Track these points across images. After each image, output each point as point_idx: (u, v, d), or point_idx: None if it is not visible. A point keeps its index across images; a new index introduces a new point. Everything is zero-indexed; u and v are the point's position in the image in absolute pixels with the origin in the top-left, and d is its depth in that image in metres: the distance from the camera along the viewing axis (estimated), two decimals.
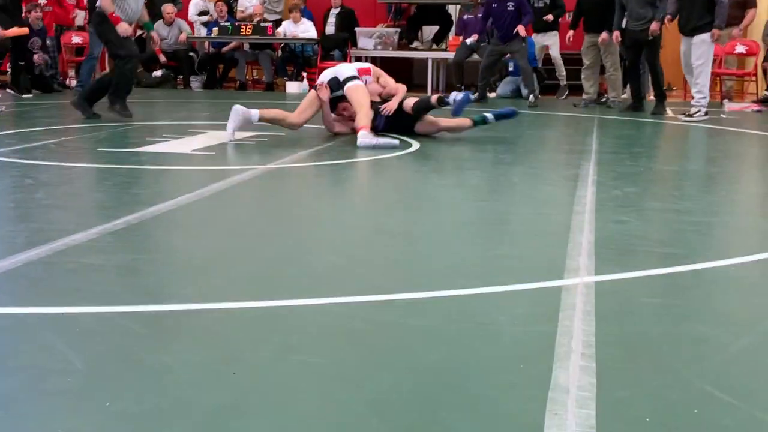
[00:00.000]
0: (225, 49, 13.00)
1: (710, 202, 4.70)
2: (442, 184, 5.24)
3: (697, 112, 8.96)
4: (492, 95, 11.59)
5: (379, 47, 12.99)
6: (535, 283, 2.96)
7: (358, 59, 11.70)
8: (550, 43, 11.41)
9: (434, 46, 13.64)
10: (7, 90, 10.97)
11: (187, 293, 2.85)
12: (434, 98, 7.14)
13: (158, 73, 12.69)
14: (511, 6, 10.17)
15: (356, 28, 13.07)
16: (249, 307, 2.67)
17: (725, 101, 10.94)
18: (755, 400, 2.03)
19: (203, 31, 13.33)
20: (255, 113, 6.78)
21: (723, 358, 2.31)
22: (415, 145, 6.55)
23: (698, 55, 8.89)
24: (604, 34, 9.77)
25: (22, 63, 11.05)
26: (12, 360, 2.21)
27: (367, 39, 13.02)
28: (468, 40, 11.30)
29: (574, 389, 2.04)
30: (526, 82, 10.67)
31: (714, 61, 9.55)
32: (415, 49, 13.61)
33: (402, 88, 7.27)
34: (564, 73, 11.44)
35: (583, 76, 10.69)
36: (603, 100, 10.65)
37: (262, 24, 12.68)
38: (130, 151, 6.14)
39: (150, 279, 3.04)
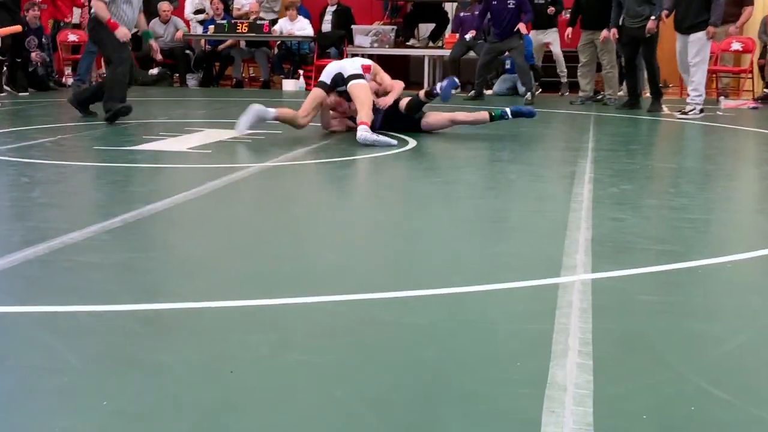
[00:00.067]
0: (221, 46, 13.00)
1: (707, 199, 4.71)
2: (438, 182, 5.24)
3: (692, 110, 8.97)
4: (488, 92, 11.59)
5: (375, 45, 12.99)
6: (532, 280, 2.96)
7: (355, 57, 11.69)
8: (550, 40, 11.40)
9: (431, 44, 13.64)
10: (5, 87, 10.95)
11: (184, 291, 2.84)
12: (422, 93, 7.15)
13: (154, 71, 12.68)
14: (511, 4, 10.16)
15: (353, 26, 13.06)
16: (246, 306, 2.67)
17: (721, 98, 10.95)
18: (752, 397, 2.03)
19: (199, 29, 13.32)
20: (272, 113, 6.75)
21: (720, 355, 2.31)
22: (412, 142, 6.55)
23: (694, 53, 8.89)
24: (605, 32, 9.76)
25: (19, 60, 11.03)
26: (8, 359, 2.20)
27: (363, 36, 13.01)
28: (466, 36, 11.30)
29: (571, 387, 2.04)
30: (523, 80, 10.67)
31: (710, 58, 9.56)
32: (412, 47, 13.61)
33: (398, 85, 7.27)
34: (565, 70, 11.43)
35: (579, 74, 10.70)
36: (599, 97, 10.67)
37: (259, 22, 12.67)
38: (126, 150, 6.13)
39: (147, 277, 3.03)
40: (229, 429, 1.85)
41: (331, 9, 13.08)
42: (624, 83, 10.57)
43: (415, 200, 4.56)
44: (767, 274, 3.25)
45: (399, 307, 2.71)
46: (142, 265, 3.17)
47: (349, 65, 7.04)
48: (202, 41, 13.38)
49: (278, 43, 13.19)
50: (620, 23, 9.57)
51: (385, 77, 7.27)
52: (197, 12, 13.57)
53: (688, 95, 9.15)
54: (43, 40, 11.53)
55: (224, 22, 12.75)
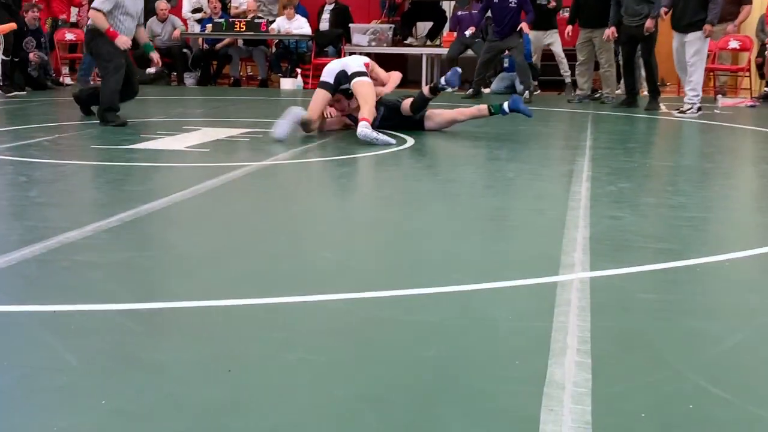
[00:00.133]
0: (219, 45, 12.98)
1: (705, 197, 4.71)
2: (437, 180, 5.23)
3: (689, 109, 8.97)
4: (486, 91, 11.59)
5: (373, 43, 12.99)
6: (531, 278, 2.96)
7: (353, 54, 11.68)
8: (551, 41, 11.38)
9: (428, 42, 13.63)
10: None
11: (182, 290, 2.84)
12: (426, 90, 7.15)
13: (152, 69, 12.65)
14: (513, 2, 10.14)
15: (350, 25, 13.06)
16: (245, 304, 2.67)
17: (719, 96, 10.96)
18: (750, 395, 2.03)
19: (197, 28, 13.31)
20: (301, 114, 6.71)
21: (718, 353, 2.31)
22: (410, 141, 6.55)
23: (692, 52, 8.88)
24: (608, 30, 9.73)
25: (17, 60, 11.01)
26: (6, 358, 2.20)
27: (361, 35, 13.01)
28: (466, 32, 11.28)
29: (570, 385, 2.04)
30: (522, 78, 10.66)
31: (708, 56, 9.56)
32: (410, 45, 13.60)
33: (395, 75, 7.26)
34: (569, 71, 11.38)
35: (577, 72, 10.69)
36: (597, 95, 10.67)
37: (256, 20, 12.66)
38: (124, 148, 6.13)
39: (145, 276, 3.03)
40: (228, 428, 1.85)
41: (328, 7, 13.07)
42: (621, 82, 10.56)
43: (413, 199, 4.56)
44: (765, 272, 3.25)
45: (397, 305, 2.71)
46: (140, 264, 3.17)
47: (352, 62, 7.01)
48: (200, 40, 13.37)
49: (276, 41, 13.18)
50: (619, 22, 9.56)
51: (380, 72, 7.25)
52: (195, 11, 13.55)
53: (686, 94, 9.15)
54: (42, 39, 11.51)
55: (222, 20, 12.74)
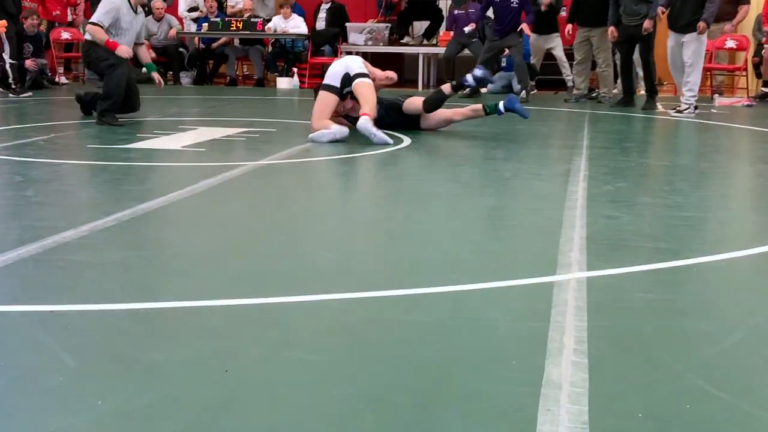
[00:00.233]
0: (215, 44, 12.97)
1: (701, 196, 4.71)
2: (433, 180, 5.23)
3: (686, 109, 8.97)
4: (483, 90, 11.58)
5: (369, 42, 12.98)
6: (527, 278, 2.96)
7: (349, 54, 11.67)
8: (553, 45, 11.37)
9: (425, 42, 13.63)
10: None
11: (178, 290, 2.84)
12: (447, 88, 7.14)
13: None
14: (514, 3, 10.14)
15: (347, 24, 13.05)
16: (242, 304, 2.67)
17: (715, 96, 10.96)
18: (747, 395, 2.03)
19: (193, 27, 13.29)
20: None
21: (715, 353, 2.31)
22: (407, 140, 6.55)
23: (691, 53, 8.87)
24: (611, 30, 9.70)
25: (15, 62, 10.98)
26: (2, 358, 2.20)
27: (357, 34, 13.00)
28: (466, 29, 11.27)
29: (567, 385, 2.04)
30: (520, 78, 10.65)
31: (704, 56, 9.56)
32: (406, 45, 13.60)
33: (390, 74, 7.30)
34: (570, 74, 11.34)
35: (574, 72, 10.69)
36: (594, 95, 10.67)
37: (252, 19, 12.65)
38: (120, 148, 6.12)
39: (141, 276, 3.03)
40: (225, 428, 1.84)
41: (325, 7, 13.06)
42: (618, 81, 10.56)
43: (410, 198, 4.55)
44: (762, 271, 3.25)
45: (395, 305, 2.70)
46: (136, 264, 3.16)
47: (353, 64, 6.99)
48: (196, 39, 13.35)
49: (272, 41, 13.17)
50: (618, 21, 9.55)
51: (376, 72, 7.26)
52: (191, 10, 13.54)
53: (683, 94, 9.14)
54: (41, 46, 11.49)
55: (218, 19, 12.73)
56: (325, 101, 6.79)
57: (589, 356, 2.22)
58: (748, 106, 10.21)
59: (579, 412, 1.91)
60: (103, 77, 7.60)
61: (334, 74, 6.86)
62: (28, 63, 10.90)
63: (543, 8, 10.91)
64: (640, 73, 10.22)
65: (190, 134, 6.90)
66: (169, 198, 4.28)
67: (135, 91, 7.83)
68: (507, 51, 10.87)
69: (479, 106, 7.15)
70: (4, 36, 9.91)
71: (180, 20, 13.38)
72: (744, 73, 11.74)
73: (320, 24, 13.01)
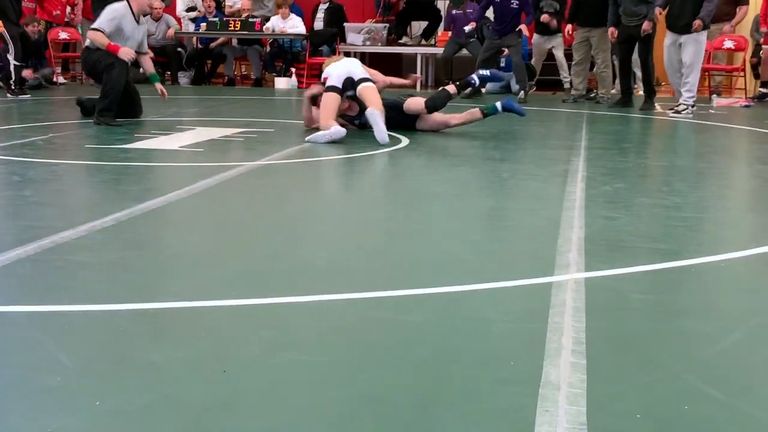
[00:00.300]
0: (213, 44, 12.97)
1: (699, 197, 4.71)
2: (431, 180, 5.23)
3: (684, 110, 8.98)
4: (482, 90, 11.58)
5: (368, 43, 12.99)
6: (525, 279, 2.96)
7: (348, 55, 11.68)
8: (554, 45, 11.38)
9: (423, 42, 13.64)
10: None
11: (176, 290, 2.83)
12: (452, 88, 7.19)
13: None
14: (514, 4, 10.15)
15: (345, 24, 13.05)
16: (239, 305, 2.66)
17: (713, 96, 10.97)
18: (745, 395, 2.03)
19: (191, 27, 13.29)
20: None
21: (713, 354, 2.31)
22: (405, 141, 6.55)
23: (691, 53, 8.88)
24: (611, 30, 9.71)
25: (19, 63, 10.96)
26: (0, 358, 2.19)
27: (355, 34, 13.01)
28: (466, 28, 11.27)
29: (565, 386, 2.04)
30: (518, 78, 10.66)
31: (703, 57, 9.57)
32: (404, 45, 13.61)
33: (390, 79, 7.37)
34: (569, 76, 11.35)
35: (572, 72, 10.70)
36: (592, 95, 10.67)
37: (251, 19, 12.65)
38: (118, 148, 6.11)
39: (139, 276, 3.02)
40: (223, 429, 1.84)
41: (323, 7, 13.07)
42: (617, 81, 10.57)
43: (408, 199, 4.55)
44: (760, 272, 3.25)
45: (393, 305, 2.70)
46: (134, 264, 3.16)
47: (356, 69, 7.04)
48: (194, 39, 13.35)
49: (270, 41, 13.17)
50: (618, 21, 9.55)
51: (376, 74, 7.33)
52: (189, 9, 13.54)
53: (681, 94, 9.14)
54: (42, 53, 11.49)
55: (216, 19, 12.73)
56: (332, 103, 6.81)
57: (587, 357, 2.22)
58: (746, 106, 10.22)
59: (577, 412, 1.91)
60: (101, 83, 7.60)
61: (337, 77, 6.88)
62: (26, 73, 10.85)
63: (543, 19, 10.95)
64: (639, 73, 10.22)
65: (188, 134, 6.90)
66: (167, 198, 4.28)
67: (136, 97, 7.84)
68: (506, 51, 10.87)
69: (476, 110, 7.17)
70: (7, 36, 9.89)
71: (178, 20, 13.38)
72: (742, 74, 11.75)
73: (318, 24, 13.02)
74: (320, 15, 13.04)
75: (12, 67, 10.04)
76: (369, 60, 12.48)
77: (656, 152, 7.04)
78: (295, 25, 12.60)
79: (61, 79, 12.54)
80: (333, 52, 12.52)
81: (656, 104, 9.65)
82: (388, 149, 6.15)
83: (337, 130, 6.41)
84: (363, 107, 6.84)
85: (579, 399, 1.98)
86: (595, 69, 10.61)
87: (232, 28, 12.57)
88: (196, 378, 2.09)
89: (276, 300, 2.71)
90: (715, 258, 3.31)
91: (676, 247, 3.52)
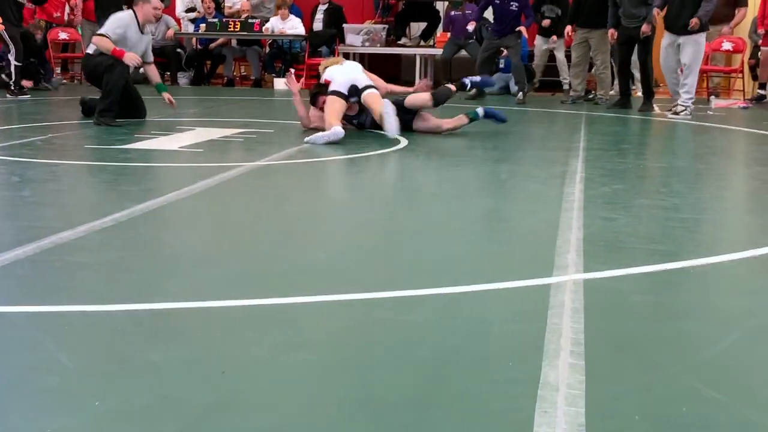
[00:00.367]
0: (212, 45, 12.97)
1: (698, 198, 4.72)
2: (430, 181, 5.23)
3: (683, 111, 8.98)
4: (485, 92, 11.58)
5: (366, 44, 12.99)
6: (524, 280, 2.96)
7: (346, 56, 11.69)
8: (555, 46, 11.39)
9: (422, 43, 13.64)
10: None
11: (175, 291, 2.84)
12: (452, 86, 7.43)
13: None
14: (514, 6, 10.16)
15: (344, 25, 13.05)
16: (238, 305, 2.67)
17: (712, 98, 10.98)
18: (744, 397, 2.04)
19: (191, 28, 13.29)
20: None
21: (712, 355, 2.32)
22: (404, 142, 6.55)
23: (691, 55, 8.87)
24: (611, 32, 9.71)
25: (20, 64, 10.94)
26: (0, 359, 2.20)
27: (354, 35, 13.01)
28: (468, 27, 11.27)
29: (564, 387, 2.04)
30: (517, 79, 10.67)
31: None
32: (403, 46, 13.61)
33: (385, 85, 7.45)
34: (568, 78, 11.35)
35: (571, 73, 10.70)
36: (591, 96, 10.67)
37: (250, 20, 12.65)
38: (117, 148, 6.11)
39: (138, 277, 3.02)
40: (222, 429, 1.84)
41: (322, 8, 13.07)
42: (615, 82, 10.57)
43: (407, 199, 4.56)
44: (759, 273, 3.25)
45: (392, 306, 2.71)
46: (133, 264, 3.16)
47: (360, 77, 7.13)
48: (194, 39, 13.35)
49: (269, 41, 13.17)
50: (617, 23, 9.55)
51: (375, 78, 7.39)
52: (188, 10, 13.54)
53: (680, 96, 9.15)
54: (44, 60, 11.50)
55: (215, 20, 12.73)
56: (338, 106, 6.87)
57: (586, 358, 2.22)
58: (744, 108, 10.23)
59: (576, 414, 1.91)
60: (101, 85, 7.60)
61: (342, 83, 6.97)
62: (26, 83, 10.82)
63: (544, 24, 10.97)
64: (637, 74, 10.23)
65: (187, 135, 6.90)
66: (166, 199, 4.28)
67: (138, 98, 7.84)
68: (505, 52, 10.88)
69: (463, 115, 7.24)
70: (6, 36, 9.89)
71: (177, 21, 13.38)
72: (740, 75, 11.76)
73: (317, 25, 13.02)
74: (319, 16, 13.04)
75: (13, 68, 10.04)
76: (368, 61, 12.49)
77: (655, 153, 7.05)
78: (294, 26, 12.60)
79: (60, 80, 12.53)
80: (332, 52, 12.52)
81: (655, 106, 9.66)
82: (386, 150, 6.15)
83: (336, 131, 6.41)
84: (363, 109, 6.95)
85: (578, 400, 1.98)
86: (593, 70, 10.62)
87: (232, 29, 12.57)
88: (196, 378, 2.10)
89: (275, 301, 2.72)
90: (713, 259, 3.32)
91: (675, 249, 3.53)
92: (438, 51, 12.30)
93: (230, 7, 13.48)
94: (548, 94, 11.84)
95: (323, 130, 6.65)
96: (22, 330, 2.43)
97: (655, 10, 9.04)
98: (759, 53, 11.12)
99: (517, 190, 4.87)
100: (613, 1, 9.52)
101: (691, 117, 8.88)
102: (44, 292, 2.80)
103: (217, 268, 3.11)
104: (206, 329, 2.48)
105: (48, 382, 2.05)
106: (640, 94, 10.09)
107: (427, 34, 13.71)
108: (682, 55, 8.92)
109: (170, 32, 12.80)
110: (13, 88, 10.12)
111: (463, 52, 11.75)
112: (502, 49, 10.75)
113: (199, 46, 13.24)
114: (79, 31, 13.00)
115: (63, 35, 12.98)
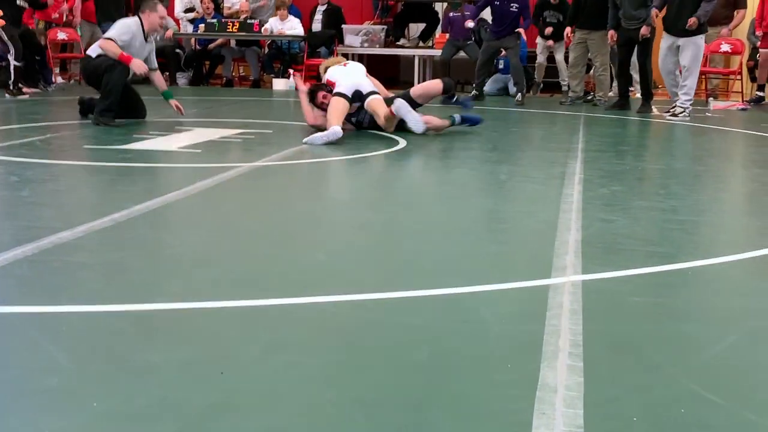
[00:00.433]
0: (211, 45, 12.97)
1: (696, 200, 4.73)
2: (429, 182, 5.24)
3: (681, 112, 8.99)
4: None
5: (365, 44, 12.99)
6: (522, 281, 2.96)
7: (345, 57, 11.68)
8: (556, 47, 11.39)
9: (421, 44, 13.64)
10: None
11: (174, 292, 2.84)
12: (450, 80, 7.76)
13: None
14: (514, 7, 10.17)
15: (343, 26, 13.06)
16: (237, 306, 2.67)
17: (710, 100, 10.99)
18: (741, 399, 2.04)
19: (190, 28, 13.29)
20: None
21: (709, 357, 2.32)
22: (403, 142, 6.56)
23: (688, 57, 8.88)
24: (611, 33, 9.71)
25: (19, 64, 10.93)
26: None
27: (353, 36, 13.01)
28: (469, 24, 11.28)
29: (562, 388, 2.05)
30: (516, 80, 10.67)
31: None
32: (402, 47, 13.62)
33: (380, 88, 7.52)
34: (567, 80, 11.35)
35: (569, 74, 10.71)
36: (589, 98, 10.68)
37: (249, 21, 12.66)
38: (116, 149, 6.11)
39: (137, 277, 3.02)
40: (220, 429, 1.85)
41: (321, 8, 13.07)
42: (614, 84, 10.58)
43: (405, 200, 4.56)
44: (757, 275, 3.26)
45: (390, 308, 2.71)
46: (132, 265, 3.16)
47: (364, 82, 7.18)
48: (193, 40, 13.35)
49: (268, 42, 13.17)
50: (617, 24, 9.56)
51: (381, 87, 7.49)
52: (187, 11, 13.53)
53: (678, 97, 9.15)
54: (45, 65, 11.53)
55: (214, 20, 12.73)
56: (342, 107, 6.89)
57: (584, 360, 2.23)
58: (742, 109, 10.24)
59: (574, 415, 1.92)
60: (100, 87, 7.60)
61: (346, 87, 7.00)
62: (26, 90, 10.80)
63: (546, 32, 11.00)
64: (636, 76, 10.24)
65: (186, 135, 6.90)
66: (165, 199, 4.28)
67: (137, 98, 7.85)
68: (504, 53, 10.89)
69: (446, 119, 7.26)
70: (5, 36, 9.88)
71: (176, 21, 13.38)
72: (739, 77, 11.77)
73: (316, 26, 13.02)
74: (318, 16, 13.05)
75: (12, 68, 10.04)
76: (367, 62, 12.49)
77: (653, 155, 7.05)
78: (293, 26, 12.60)
79: (59, 80, 12.52)
80: (331, 53, 12.51)
81: (653, 107, 9.67)
82: (385, 151, 6.16)
83: (334, 132, 6.42)
84: (361, 107, 7.06)
85: (576, 402, 1.98)
86: (592, 71, 10.63)
87: (231, 30, 12.58)
88: (195, 379, 2.10)
89: (274, 301, 2.72)
90: (711, 261, 3.32)
91: (673, 250, 3.53)
92: (437, 52, 12.30)
93: (229, 8, 13.48)
94: (547, 95, 11.83)
95: (325, 128, 6.65)
96: (22, 330, 2.43)
97: (654, 11, 9.05)
98: (757, 55, 11.14)
99: (516, 191, 4.88)
100: (614, 3, 9.53)
101: (689, 119, 8.89)
102: (43, 292, 2.80)
103: (216, 268, 3.11)
104: (205, 330, 2.48)
105: (47, 382, 2.05)
106: (638, 95, 10.10)
107: (425, 35, 13.72)
108: (681, 57, 8.93)
109: (169, 32, 12.79)
110: (12, 88, 10.12)
111: (462, 54, 11.76)
112: (501, 49, 10.75)
113: (197, 47, 13.24)
114: (78, 32, 12.99)
115: (62, 35, 12.96)
